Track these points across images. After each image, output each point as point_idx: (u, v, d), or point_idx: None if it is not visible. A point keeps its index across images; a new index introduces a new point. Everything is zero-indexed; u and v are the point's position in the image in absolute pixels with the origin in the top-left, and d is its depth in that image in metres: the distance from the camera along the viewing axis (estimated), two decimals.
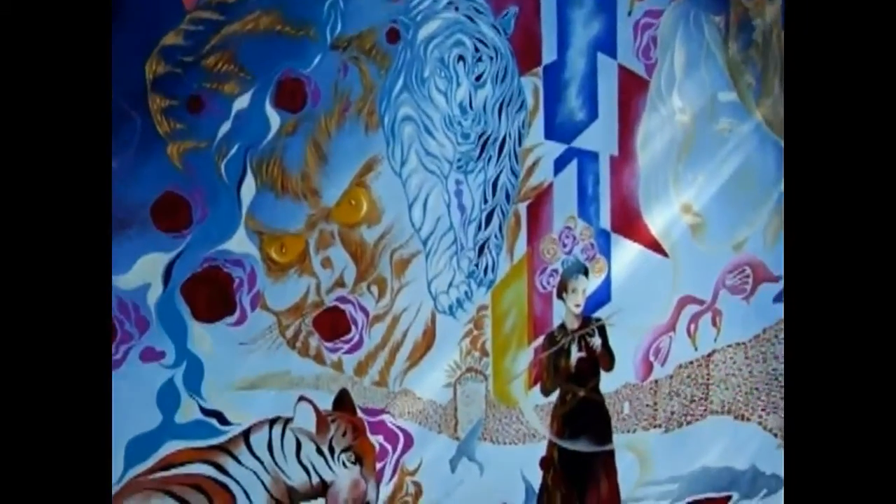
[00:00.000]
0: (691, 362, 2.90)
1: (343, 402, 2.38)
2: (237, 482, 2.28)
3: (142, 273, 2.11)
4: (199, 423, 2.23)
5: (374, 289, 2.37)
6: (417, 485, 2.50)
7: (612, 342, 2.76)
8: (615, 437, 2.77)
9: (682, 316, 2.85)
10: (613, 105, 2.64)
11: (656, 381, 2.84)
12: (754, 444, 3.04)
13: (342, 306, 2.34)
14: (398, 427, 2.46)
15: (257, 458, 2.30)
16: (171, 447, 2.20)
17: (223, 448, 2.27)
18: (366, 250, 2.35)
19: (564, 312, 2.67)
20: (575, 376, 2.71)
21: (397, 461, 2.47)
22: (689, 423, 2.92)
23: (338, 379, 2.37)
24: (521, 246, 2.56)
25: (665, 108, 2.73)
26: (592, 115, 2.62)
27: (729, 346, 2.95)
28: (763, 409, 3.03)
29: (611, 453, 2.77)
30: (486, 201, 2.47)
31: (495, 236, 2.50)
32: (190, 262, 2.16)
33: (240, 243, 2.20)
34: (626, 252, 2.73)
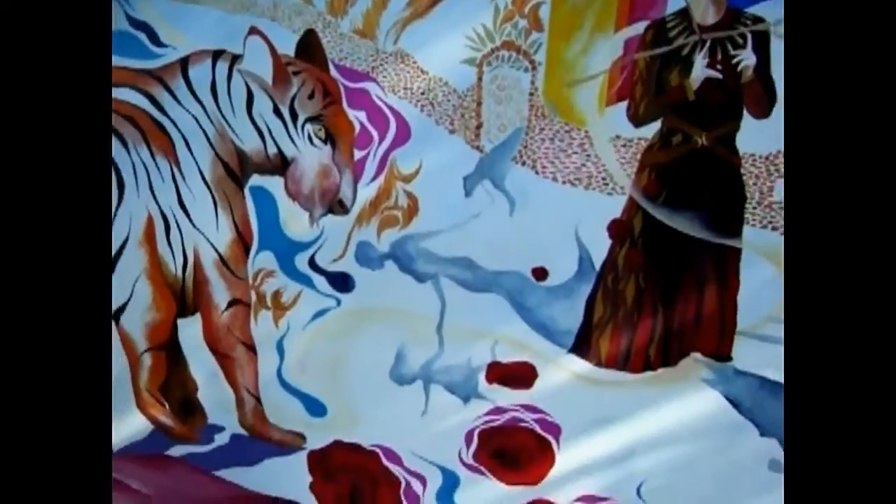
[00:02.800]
0: None
1: (310, 48, 1.89)
2: (174, 125, 1.98)
3: None
4: (127, 37, 1.92)
5: None
6: (413, 197, 1.94)
7: (776, 69, 1.76)
8: (749, 230, 1.88)
9: None
10: None
11: None
12: None
13: None
14: (389, 107, 1.90)
15: (198, 100, 1.94)
16: None
17: (156, 77, 1.95)
18: None
19: None
20: (694, 108, 1.82)
21: (385, 155, 1.93)
22: None
23: (303, 11, 1.86)
24: None
25: None
26: None
27: None
28: None
29: (735, 253, 1.90)
30: None
31: None
32: None
33: None
34: None
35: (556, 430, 2.05)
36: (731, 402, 2.02)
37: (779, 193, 1.84)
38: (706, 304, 1.96)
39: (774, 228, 1.88)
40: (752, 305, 1.93)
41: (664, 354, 2.01)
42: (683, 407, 2.03)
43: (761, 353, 1.95)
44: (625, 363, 2.03)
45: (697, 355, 2.01)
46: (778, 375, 1.97)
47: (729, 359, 1.98)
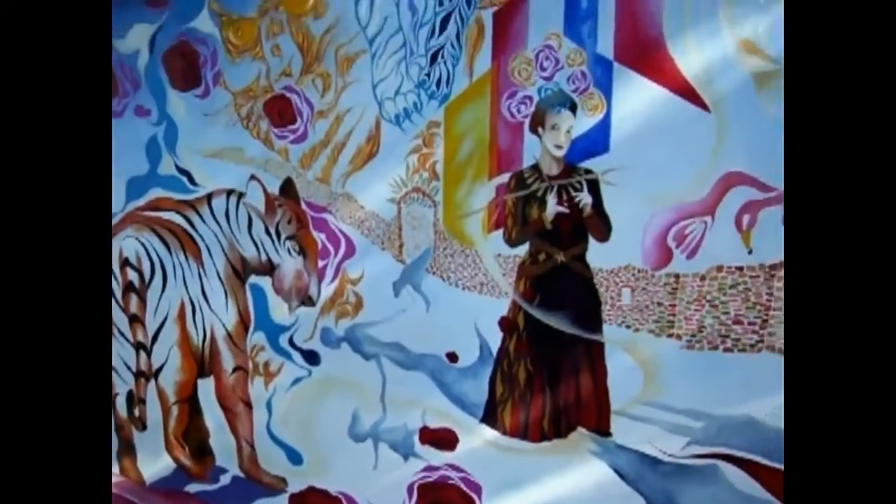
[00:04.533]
0: (740, 268, 2.14)
1: (288, 190, 2.47)
2: (202, 238, 2.61)
3: (135, 39, 2.52)
4: (174, 179, 2.60)
5: (319, 83, 2.36)
6: (358, 296, 2.47)
7: (608, 206, 2.19)
8: (608, 328, 2.23)
9: (727, 199, 2.11)
10: None
11: (677, 277, 2.19)
12: None
13: (289, 95, 2.40)
14: (340, 231, 2.45)
15: (217, 222, 2.58)
16: (155, 193, 2.63)
17: (191, 204, 2.61)
18: (312, 43, 2.34)
19: (540, 152, 2.23)
20: (552, 234, 2.26)
21: (339, 265, 2.47)
22: (729, 349, 2.19)
23: (284, 166, 2.46)
24: (485, 61, 2.21)
25: None
26: None
27: None
28: None
29: (599, 346, 2.25)
30: (441, 3, 2.20)
31: (451, 45, 2.22)
32: (168, 34, 2.49)
33: (204, 24, 2.43)
34: (638, 92, 2.11)
35: (477, 488, 2.43)
36: (617, 472, 2.29)
37: (626, 298, 2.25)
38: (583, 386, 2.28)
39: (628, 327, 2.22)
40: (620, 389, 2.23)
41: (556, 428, 2.33)
42: (578, 474, 2.33)
43: (635, 430, 2.24)
44: (525, 433, 2.36)
45: (583, 430, 2.31)
46: (653, 451, 2.24)
47: (609, 434, 2.28)
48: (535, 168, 2.24)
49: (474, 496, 2.43)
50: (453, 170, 2.29)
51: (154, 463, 2.70)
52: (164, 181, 2.57)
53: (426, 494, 2.49)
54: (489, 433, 2.40)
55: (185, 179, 2.57)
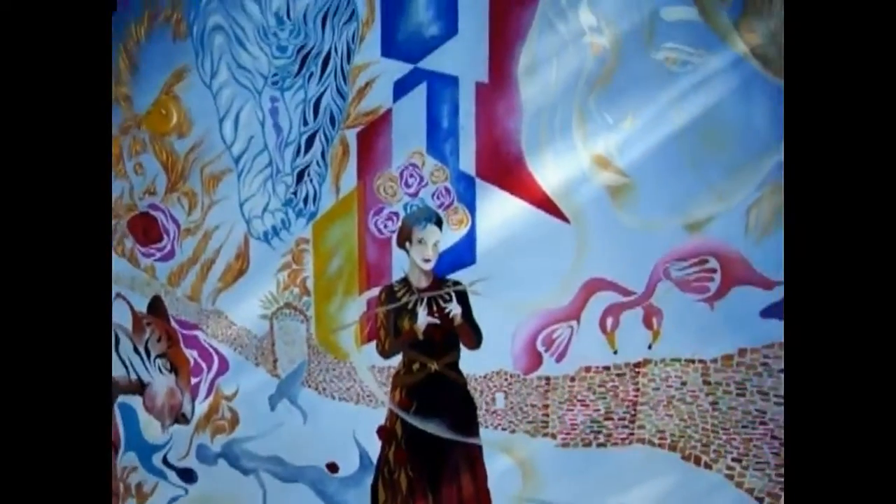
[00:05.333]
0: (607, 367, 2.23)
1: (157, 308, 2.45)
2: None
3: None
4: None
5: (185, 201, 2.35)
6: (234, 412, 2.46)
7: (477, 314, 2.26)
8: (484, 431, 2.28)
9: (591, 304, 2.20)
10: (482, 19, 2.11)
11: (548, 379, 2.26)
12: (720, 501, 2.23)
13: (153, 213, 2.38)
14: (212, 347, 2.44)
15: None
16: None
17: None
18: (177, 161, 2.33)
19: (409, 265, 2.28)
20: (424, 344, 2.29)
21: (213, 381, 2.45)
22: (602, 444, 2.27)
23: (151, 284, 2.43)
24: (351, 178, 2.25)
25: (566, 26, 2.09)
26: (450, 30, 2.13)
27: (676, 359, 2.18)
28: (737, 460, 2.20)
29: (477, 449, 2.29)
30: (306, 123, 2.23)
31: (317, 163, 2.24)
32: None
33: None
34: (501, 206, 2.19)
35: None
36: None
37: (500, 402, 2.32)
38: (464, 489, 2.30)
39: (504, 429, 2.26)
40: (501, 489, 2.27)
41: None
42: None
43: None
44: None
45: None
46: None
47: None
48: (405, 281, 2.29)
49: None
50: (324, 285, 2.32)
51: None
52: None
53: None
54: None
55: None
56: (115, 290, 2.45)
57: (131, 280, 2.43)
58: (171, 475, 2.51)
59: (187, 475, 2.50)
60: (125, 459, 2.53)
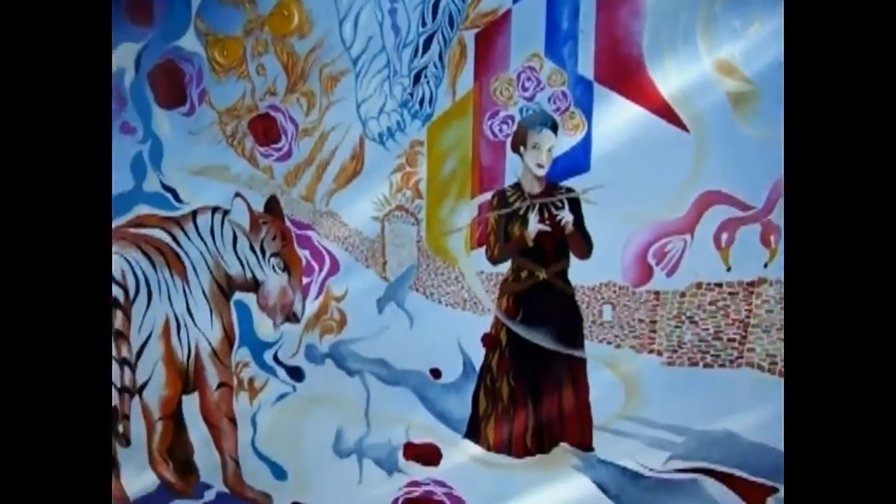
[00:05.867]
0: (719, 285, 2.18)
1: (273, 207, 2.49)
2: (187, 255, 2.61)
3: (120, 58, 2.54)
4: (159, 196, 2.60)
5: (304, 101, 2.39)
6: (342, 312, 2.48)
7: (589, 224, 2.24)
8: (589, 344, 2.28)
9: (706, 218, 2.15)
10: None
11: (657, 294, 2.23)
12: None
13: (273, 114, 2.43)
14: (324, 248, 2.46)
15: (202, 239, 2.59)
16: (140, 210, 2.64)
17: (176, 221, 2.61)
18: (297, 62, 2.37)
19: (521, 170, 2.26)
20: (533, 252, 2.30)
21: (323, 282, 2.48)
22: (709, 365, 2.23)
23: (268, 184, 2.47)
24: (467, 81, 2.24)
25: None
26: None
27: None
28: None
29: (581, 362, 2.29)
30: (424, 24, 2.23)
31: (434, 65, 2.25)
32: (153, 53, 2.51)
33: (189, 42, 2.45)
34: (618, 112, 2.15)
35: (461, 503, 2.45)
36: (600, 487, 2.33)
37: (607, 314, 2.29)
38: (565, 402, 2.32)
39: (609, 343, 2.27)
40: (602, 405, 2.28)
41: (539, 443, 2.36)
42: (561, 489, 2.36)
43: (617, 445, 2.29)
44: (509, 449, 2.39)
45: (565, 445, 2.35)
46: (634, 465, 2.29)
47: (591, 449, 2.32)
48: (517, 186, 2.27)
49: None
50: (436, 188, 2.32)
51: (138, 479, 2.70)
52: (150, 198, 2.58)
53: None
54: (473, 448, 2.43)
55: (170, 196, 2.57)
56: (234, 189, 2.50)
57: (250, 179, 2.49)
58: (281, 372, 2.56)
59: (296, 373, 2.55)
60: (239, 354, 2.59)
